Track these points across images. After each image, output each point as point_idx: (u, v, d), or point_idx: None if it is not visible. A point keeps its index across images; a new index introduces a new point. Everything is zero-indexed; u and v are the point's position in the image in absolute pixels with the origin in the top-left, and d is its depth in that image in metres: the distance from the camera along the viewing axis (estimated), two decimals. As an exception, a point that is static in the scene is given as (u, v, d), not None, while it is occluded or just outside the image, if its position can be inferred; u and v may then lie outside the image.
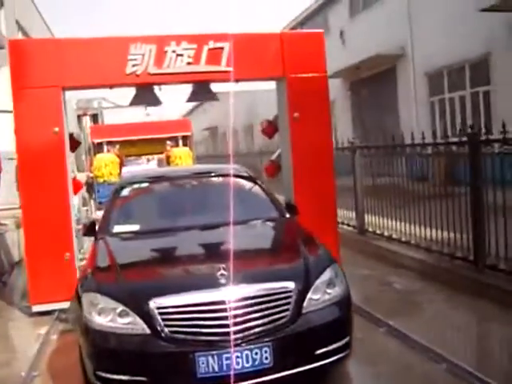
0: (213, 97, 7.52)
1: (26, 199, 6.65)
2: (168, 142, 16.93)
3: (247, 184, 5.92)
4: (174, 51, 6.89)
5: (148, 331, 3.67)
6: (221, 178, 6.14)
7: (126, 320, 3.73)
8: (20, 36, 19.26)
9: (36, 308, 6.65)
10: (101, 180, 15.00)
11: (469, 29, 12.94)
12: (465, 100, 14.16)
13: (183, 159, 16.21)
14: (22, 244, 10.38)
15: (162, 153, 18.00)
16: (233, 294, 3.69)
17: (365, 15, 18.48)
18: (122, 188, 5.87)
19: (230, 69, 7.02)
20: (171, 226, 5.21)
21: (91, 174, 15.25)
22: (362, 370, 4.34)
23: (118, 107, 31.13)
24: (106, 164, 15.95)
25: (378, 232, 8.14)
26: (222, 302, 3.65)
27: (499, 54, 12.54)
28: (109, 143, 16.52)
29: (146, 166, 31.85)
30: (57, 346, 5.65)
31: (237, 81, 7.43)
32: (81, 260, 7.18)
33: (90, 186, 14.56)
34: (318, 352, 3.73)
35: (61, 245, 6.65)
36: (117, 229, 5.23)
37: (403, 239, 7.41)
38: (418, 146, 7.29)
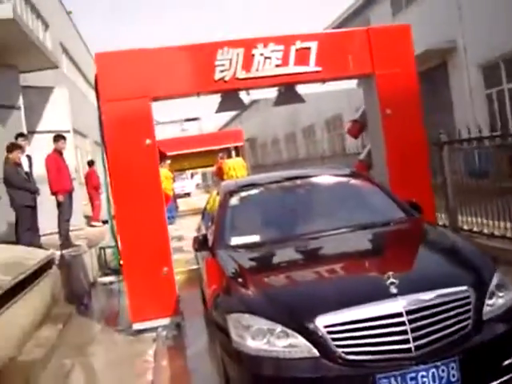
0: (300, 99, 7.28)
1: (120, 214, 6.50)
2: (220, 154, 16.74)
3: (362, 184, 5.56)
4: (261, 54, 6.69)
5: (316, 353, 3.23)
6: (331, 180, 5.74)
7: (286, 342, 3.30)
8: (64, 57, 19.33)
9: (137, 326, 6.47)
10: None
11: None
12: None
13: (237, 170, 15.96)
14: (96, 264, 10.32)
15: (212, 165, 17.79)
16: (410, 304, 3.26)
17: (409, 11, 18.09)
18: (231, 196, 5.47)
19: (319, 69, 6.82)
20: (294, 233, 4.79)
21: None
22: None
23: (158, 124, 31.32)
24: (161, 180, 15.81)
25: (475, 229, 7.78)
26: (399, 314, 3.22)
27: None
28: (161, 158, 16.36)
29: (191, 181, 31.52)
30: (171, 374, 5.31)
31: (324, 81, 7.22)
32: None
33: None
34: (505, 363, 3.34)
35: (158, 259, 6.49)
36: (235, 241, 4.77)
37: (508, 235, 7.04)
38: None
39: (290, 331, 3.31)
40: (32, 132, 11.57)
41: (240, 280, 3.97)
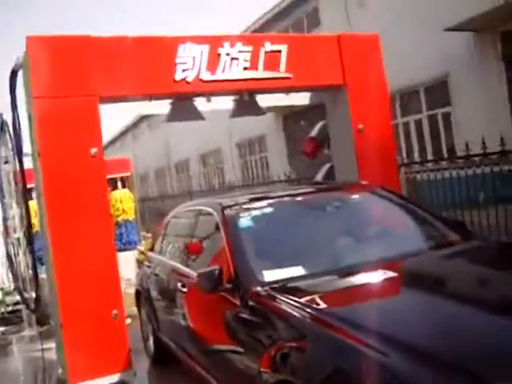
0: (260, 111, 6.37)
1: (57, 245, 5.04)
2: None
3: (396, 200, 4.64)
4: (228, 54, 5.74)
5: None
6: (355, 196, 4.72)
7: None
8: None
9: (77, 388, 5.01)
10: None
11: (421, 51, 12.84)
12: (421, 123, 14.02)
13: (124, 203, 14.50)
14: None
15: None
16: None
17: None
18: (237, 217, 4.09)
19: (290, 75, 6.02)
20: (346, 263, 3.65)
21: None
22: None
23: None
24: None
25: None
26: None
27: (459, 75, 12.52)
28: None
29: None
30: None
31: (288, 91, 6.42)
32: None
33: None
34: None
35: (106, 300, 5.13)
36: (269, 276, 3.51)
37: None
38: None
39: None
40: None
41: (353, 333, 2.58)
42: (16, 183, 8.10)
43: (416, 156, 12.10)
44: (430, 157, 12.69)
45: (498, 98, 11.53)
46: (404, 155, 10.34)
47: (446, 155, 12.20)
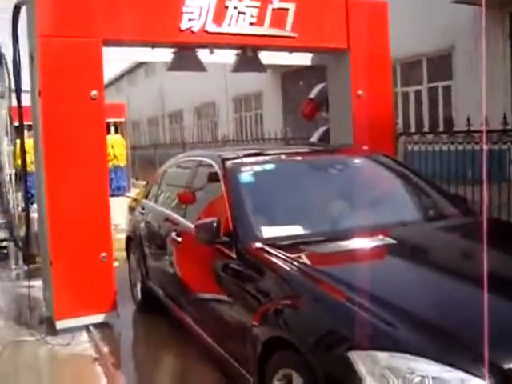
0: (261, 68, 6.36)
1: (52, 185, 5.09)
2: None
3: (395, 168, 4.67)
4: (235, 7, 5.71)
5: None
6: (362, 160, 4.67)
7: None
8: None
9: (61, 324, 5.15)
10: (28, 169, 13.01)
11: (427, 22, 12.74)
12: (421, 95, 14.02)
13: (116, 148, 14.59)
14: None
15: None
16: None
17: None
18: (241, 171, 4.04)
19: (295, 34, 6.00)
20: (348, 226, 3.69)
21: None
22: None
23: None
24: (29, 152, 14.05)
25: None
26: None
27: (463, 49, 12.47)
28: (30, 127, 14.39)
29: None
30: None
31: (291, 51, 6.39)
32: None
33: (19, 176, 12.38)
34: None
35: (96, 242, 5.23)
36: (267, 232, 3.53)
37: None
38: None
39: (473, 379, 2.14)
40: None
41: (349, 293, 2.65)
42: (11, 118, 8.10)
43: (413, 126, 12.16)
44: (426, 129, 12.74)
45: (501, 77, 11.52)
46: (400, 125, 10.41)
47: (442, 129, 12.27)
